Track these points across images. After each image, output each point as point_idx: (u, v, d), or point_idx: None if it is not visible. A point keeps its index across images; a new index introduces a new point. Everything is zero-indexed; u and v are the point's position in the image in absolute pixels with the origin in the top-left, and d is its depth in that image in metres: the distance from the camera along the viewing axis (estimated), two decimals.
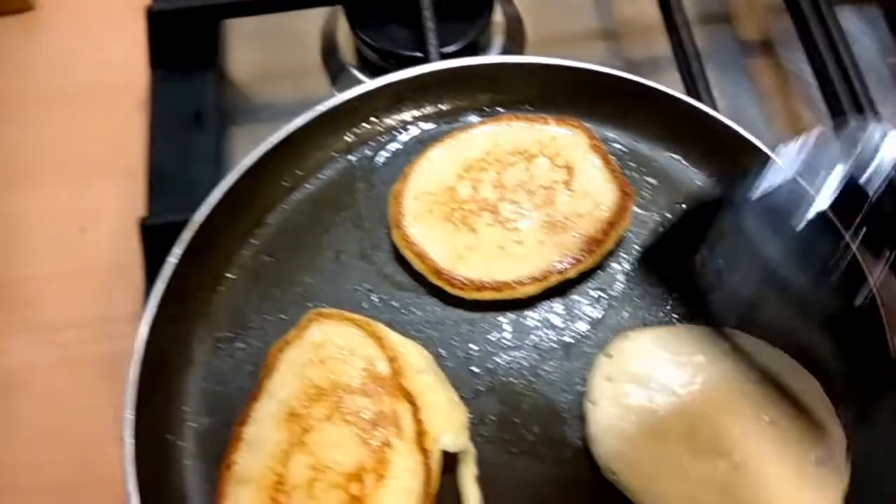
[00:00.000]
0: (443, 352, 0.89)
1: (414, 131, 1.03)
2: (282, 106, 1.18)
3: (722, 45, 1.26)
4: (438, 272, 0.87)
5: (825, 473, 0.76)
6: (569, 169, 0.93)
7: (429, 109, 1.03)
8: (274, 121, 1.01)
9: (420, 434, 0.78)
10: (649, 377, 0.82)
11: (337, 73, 1.21)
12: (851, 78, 1.07)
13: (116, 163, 1.18)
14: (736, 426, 0.78)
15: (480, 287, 0.87)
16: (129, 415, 0.80)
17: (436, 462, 0.78)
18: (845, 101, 1.06)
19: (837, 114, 1.07)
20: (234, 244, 0.95)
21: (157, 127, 1.14)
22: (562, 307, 0.91)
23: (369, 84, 0.99)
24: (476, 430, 0.85)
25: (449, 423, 0.80)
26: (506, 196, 0.91)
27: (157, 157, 1.12)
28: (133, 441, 0.78)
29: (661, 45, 1.17)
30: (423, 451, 0.77)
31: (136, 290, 1.00)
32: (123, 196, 1.14)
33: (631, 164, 0.99)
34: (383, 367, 0.81)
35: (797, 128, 1.20)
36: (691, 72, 1.07)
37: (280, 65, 1.23)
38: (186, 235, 0.89)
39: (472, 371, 0.88)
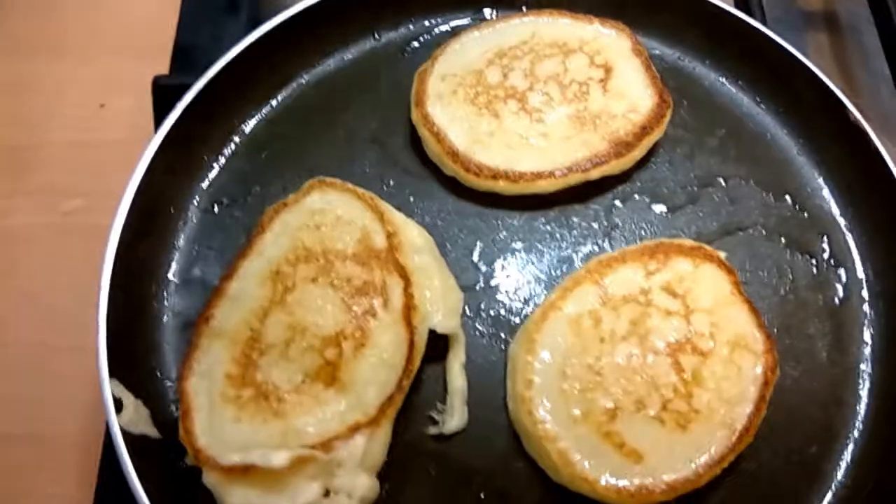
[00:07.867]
0: (448, 244, 0.83)
1: (448, 23, 0.97)
2: None
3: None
4: (455, 154, 0.82)
5: None
6: (607, 68, 0.86)
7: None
8: None
9: (408, 308, 0.72)
10: None
11: None
12: None
13: (145, 43, 1.15)
14: None
15: (496, 175, 0.81)
16: (109, 254, 0.75)
17: (421, 340, 0.72)
18: None
19: None
20: (244, 111, 0.90)
21: (190, 7, 1.12)
22: (578, 215, 0.85)
23: None
24: (471, 322, 0.79)
25: (441, 305, 0.74)
26: (536, 86, 0.85)
27: (185, 37, 1.09)
28: (109, 283, 0.74)
29: None
30: (409, 327, 0.72)
31: None
32: (148, 76, 1.11)
33: (672, 82, 0.92)
34: (380, 241, 0.76)
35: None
36: None
37: None
38: (195, 89, 0.84)
39: (474, 264, 0.82)
